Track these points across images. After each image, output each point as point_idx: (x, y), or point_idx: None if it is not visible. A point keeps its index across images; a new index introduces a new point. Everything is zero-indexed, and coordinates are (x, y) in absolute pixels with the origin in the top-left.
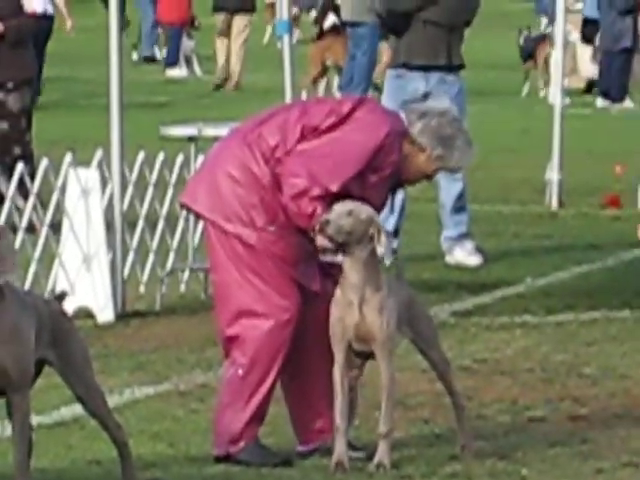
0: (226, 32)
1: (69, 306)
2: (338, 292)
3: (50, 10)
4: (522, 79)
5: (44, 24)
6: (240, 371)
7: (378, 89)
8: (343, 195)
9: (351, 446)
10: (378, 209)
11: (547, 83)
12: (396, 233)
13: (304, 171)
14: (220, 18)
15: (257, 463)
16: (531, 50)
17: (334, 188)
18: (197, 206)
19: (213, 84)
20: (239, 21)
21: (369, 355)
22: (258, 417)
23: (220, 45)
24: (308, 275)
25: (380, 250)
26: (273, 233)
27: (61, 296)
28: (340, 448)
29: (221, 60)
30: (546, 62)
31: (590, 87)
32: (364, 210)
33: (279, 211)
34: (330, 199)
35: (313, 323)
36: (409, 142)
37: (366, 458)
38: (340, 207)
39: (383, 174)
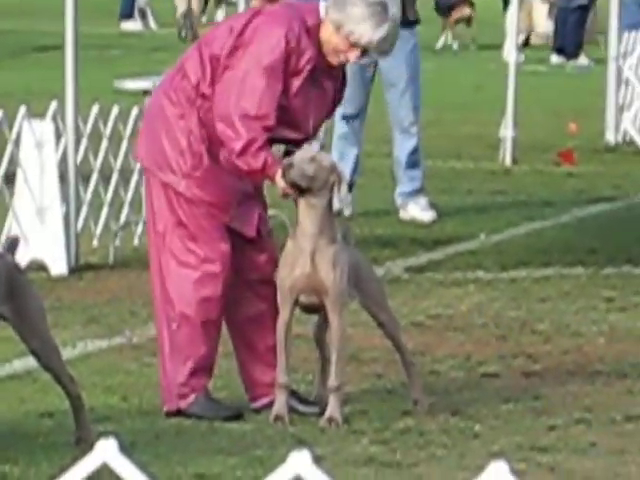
0: None
1: (23, 258)
2: (289, 243)
3: None
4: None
5: None
6: (174, 325)
7: None
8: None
9: (304, 401)
10: (322, 116)
11: (471, 40)
12: (350, 188)
13: (232, 128)
14: None
15: (207, 416)
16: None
17: (269, 123)
18: (138, 157)
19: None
20: None
21: (317, 309)
22: (202, 369)
23: None
24: (242, 219)
25: (339, 199)
26: (200, 178)
27: (13, 242)
28: (280, 402)
29: (181, 9)
30: (465, 20)
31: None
32: (326, 157)
33: (204, 154)
34: (269, 135)
35: (254, 272)
36: (324, 26)
37: (319, 413)
38: (303, 153)
39: (305, 74)
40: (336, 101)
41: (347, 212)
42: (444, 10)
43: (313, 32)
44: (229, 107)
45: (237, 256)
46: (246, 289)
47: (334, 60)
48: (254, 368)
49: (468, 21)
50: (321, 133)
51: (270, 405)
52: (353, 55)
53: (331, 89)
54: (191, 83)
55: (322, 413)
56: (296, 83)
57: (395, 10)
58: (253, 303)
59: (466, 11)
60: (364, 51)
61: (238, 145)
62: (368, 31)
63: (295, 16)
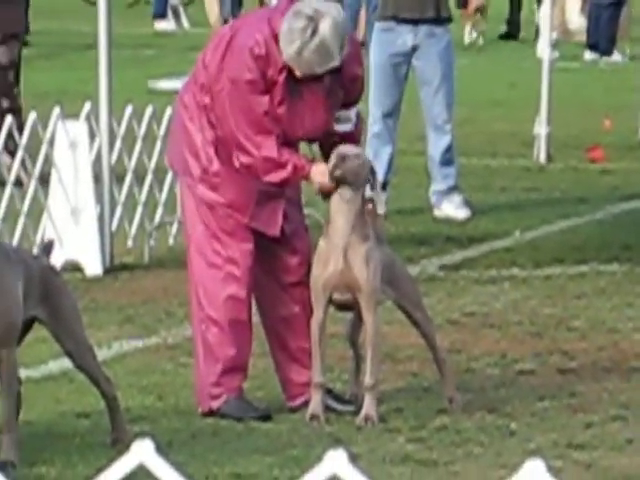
0: None
1: (57, 259)
2: (322, 241)
3: None
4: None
5: None
6: (203, 325)
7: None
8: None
9: (339, 399)
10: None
11: (479, 31)
12: (384, 187)
13: (244, 153)
14: None
15: (235, 416)
16: None
17: (273, 133)
18: (167, 160)
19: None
20: None
21: (350, 307)
22: (234, 369)
23: None
24: (264, 219)
25: (375, 197)
26: (212, 181)
27: (48, 245)
28: (315, 402)
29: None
30: (479, 11)
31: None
32: (365, 154)
33: (214, 157)
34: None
35: (287, 274)
36: None
37: (355, 412)
38: (348, 149)
39: (282, 82)
40: (349, 100)
41: (381, 210)
42: (460, 3)
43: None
44: (232, 131)
45: (269, 258)
46: (280, 291)
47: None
48: (289, 368)
49: (482, 11)
50: (354, 115)
51: (306, 404)
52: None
53: (322, 92)
54: (199, 88)
55: (358, 412)
56: (277, 94)
57: (328, 28)
58: (287, 305)
59: (478, 0)
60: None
61: (259, 166)
62: (286, 47)
63: (264, 26)
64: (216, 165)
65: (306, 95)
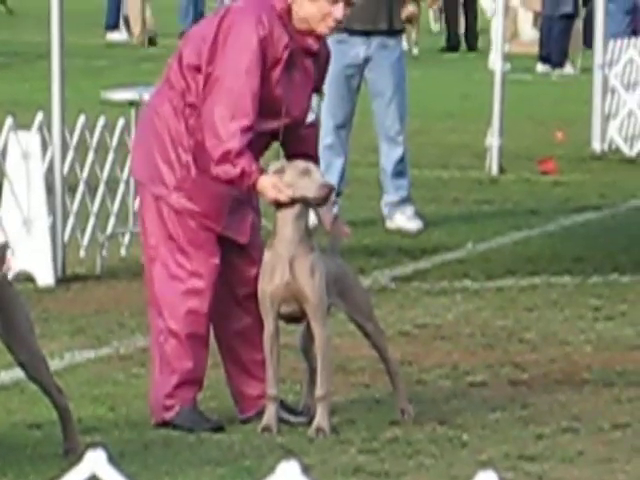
0: None
1: (9, 269)
2: (267, 252)
3: None
4: None
5: None
6: (162, 337)
7: None
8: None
9: (292, 411)
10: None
11: (412, 42)
12: (338, 194)
13: (211, 134)
14: None
15: (188, 428)
16: None
17: (247, 123)
18: (132, 170)
19: (140, 44)
20: None
21: (299, 319)
22: (189, 382)
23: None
24: (234, 227)
25: (323, 212)
26: (189, 189)
27: (1, 250)
28: (269, 414)
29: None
30: (410, 21)
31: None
32: (317, 171)
33: (191, 165)
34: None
35: (243, 286)
36: (297, 2)
37: (307, 423)
38: (296, 164)
39: (284, 61)
40: (318, 83)
41: (327, 226)
42: None
43: (285, 15)
44: (209, 114)
45: (227, 270)
46: (234, 303)
47: (322, 29)
48: (241, 381)
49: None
50: (314, 105)
51: (258, 416)
52: (339, 12)
53: (312, 68)
54: (177, 93)
55: (310, 423)
56: (276, 72)
57: None
58: (240, 317)
59: (409, 9)
60: (347, 3)
61: (216, 153)
62: None
63: (262, 5)
64: (193, 173)
65: (300, 72)
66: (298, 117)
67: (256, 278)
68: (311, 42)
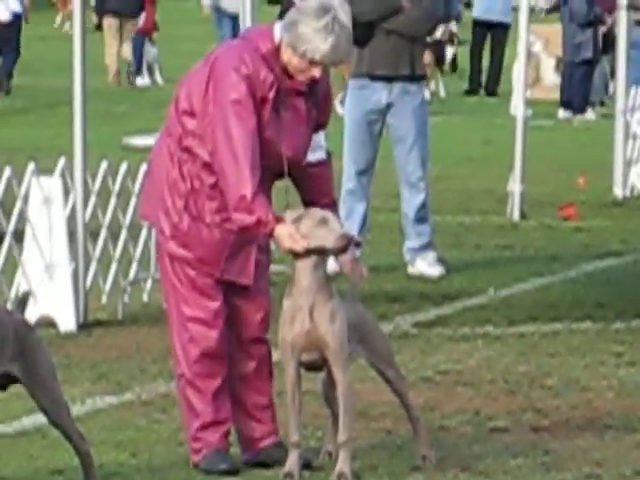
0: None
1: (32, 314)
2: (286, 301)
3: (18, 9)
4: None
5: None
6: (181, 382)
7: None
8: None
9: (307, 465)
10: (302, 137)
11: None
12: (358, 245)
13: (223, 182)
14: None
15: (209, 470)
16: None
17: (254, 163)
18: (141, 214)
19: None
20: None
21: (320, 367)
22: (211, 424)
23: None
24: (236, 270)
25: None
26: (182, 237)
27: (24, 297)
28: (292, 460)
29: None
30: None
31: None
32: (336, 222)
33: (183, 212)
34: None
35: (247, 331)
36: (283, 48)
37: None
38: (313, 213)
39: (271, 101)
40: (320, 120)
41: (346, 271)
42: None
43: (270, 57)
44: (216, 166)
45: (232, 314)
46: (237, 347)
47: (301, 78)
48: (243, 423)
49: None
50: (323, 142)
51: (255, 458)
52: (316, 72)
53: (304, 108)
54: (174, 139)
55: (333, 469)
56: (265, 112)
57: (345, 16)
58: (243, 362)
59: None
60: (324, 68)
61: (232, 201)
62: (320, 46)
63: (246, 47)
64: (186, 221)
65: (290, 112)
66: (293, 156)
67: (261, 323)
68: (299, 82)
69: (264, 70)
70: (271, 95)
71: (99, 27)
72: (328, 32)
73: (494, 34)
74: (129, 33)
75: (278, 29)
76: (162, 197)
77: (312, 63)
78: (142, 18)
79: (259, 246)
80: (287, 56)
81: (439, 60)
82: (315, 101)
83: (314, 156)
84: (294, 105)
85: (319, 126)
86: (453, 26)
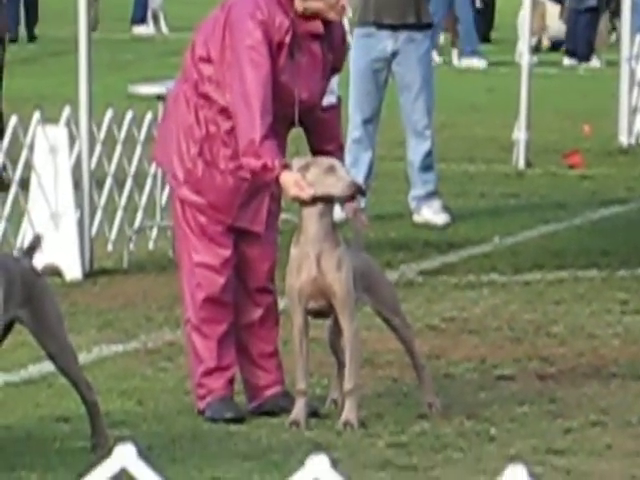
0: None
1: (38, 262)
2: (294, 249)
3: None
4: None
5: None
6: (187, 327)
7: None
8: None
9: (314, 413)
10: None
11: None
12: (363, 192)
13: (237, 125)
14: None
15: (213, 419)
16: None
17: (266, 108)
18: (155, 159)
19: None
20: None
21: (327, 315)
22: (214, 370)
23: None
24: (248, 218)
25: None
26: (196, 183)
27: (35, 241)
28: (298, 408)
29: None
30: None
31: (555, 46)
32: (343, 170)
33: (198, 158)
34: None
35: (254, 280)
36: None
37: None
38: (321, 161)
39: (287, 46)
40: (336, 64)
41: (365, 219)
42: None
43: (285, 1)
44: (232, 110)
45: (240, 263)
46: (244, 296)
47: (334, 16)
48: (249, 372)
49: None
50: (335, 86)
51: (261, 407)
52: (344, 1)
53: (320, 52)
54: (190, 85)
55: (339, 416)
56: (281, 58)
57: None
58: (249, 311)
59: None
60: None
61: (242, 144)
62: None
63: None
64: (200, 167)
65: (306, 57)
66: (309, 101)
67: (268, 272)
68: (316, 25)
69: (280, 15)
70: (287, 40)
71: None
72: None
73: None
74: None
75: None
76: (177, 142)
77: None
78: None
79: (272, 194)
80: (304, 5)
81: None
82: (331, 45)
83: (325, 100)
84: (310, 49)
85: (334, 70)
86: None
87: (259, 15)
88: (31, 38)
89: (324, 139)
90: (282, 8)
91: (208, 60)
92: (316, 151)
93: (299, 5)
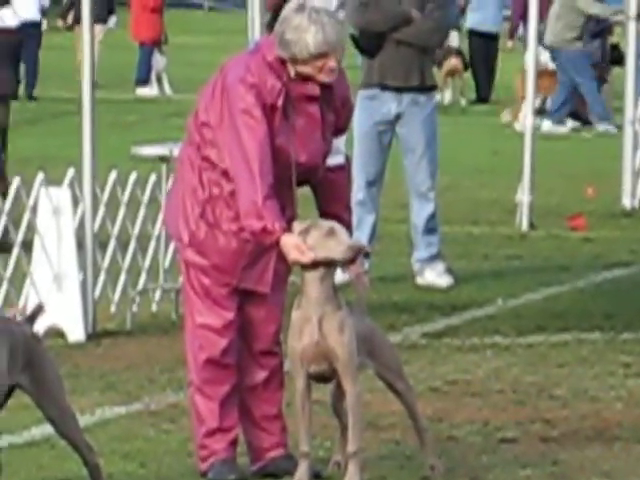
0: None
1: (40, 325)
2: (295, 312)
3: (37, 17)
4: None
5: (19, 36)
6: (191, 389)
7: None
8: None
9: (317, 475)
10: (318, 142)
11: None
12: (367, 255)
13: (238, 191)
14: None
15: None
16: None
17: (265, 172)
18: (165, 222)
19: None
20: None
21: (329, 378)
22: (216, 432)
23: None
24: (254, 278)
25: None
26: (199, 244)
27: (37, 310)
28: (301, 471)
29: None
30: (451, 74)
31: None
32: (344, 234)
33: (200, 220)
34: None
35: (259, 342)
36: (288, 66)
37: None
38: (322, 224)
39: (280, 108)
40: (339, 125)
41: (367, 282)
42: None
43: (277, 65)
44: (231, 173)
45: (245, 324)
46: (249, 358)
47: (326, 79)
48: (252, 433)
49: (457, 72)
50: (342, 146)
51: (264, 469)
52: (330, 62)
53: (318, 113)
54: (194, 148)
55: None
56: (276, 120)
57: (322, 9)
58: (254, 373)
59: (453, 62)
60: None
61: (243, 208)
62: (308, 39)
63: (253, 57)
64: (202, 229)
65: (303, 118)
66: (308, 162)
67: (274, 335)
68: (311, 88)
69: (271, 78)
70: (279, 102)
71: (70, 28)
72: (310, 23)
73: (487, 44)
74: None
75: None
76: (182, 205)
77: (316, 59)
78: (112, 21)
79: (279, 255)
80: (294, 70)
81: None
82: (331, 106)
83: (333, 161)
84: (307, 111)
85: (338, 131)
86: (454, 36)
87: (250, 78)
88: (30, 98)
89: (331, 199)
90: (274, 72)
91: (209, 125)
92: (323, 211)
93: (291, 69)
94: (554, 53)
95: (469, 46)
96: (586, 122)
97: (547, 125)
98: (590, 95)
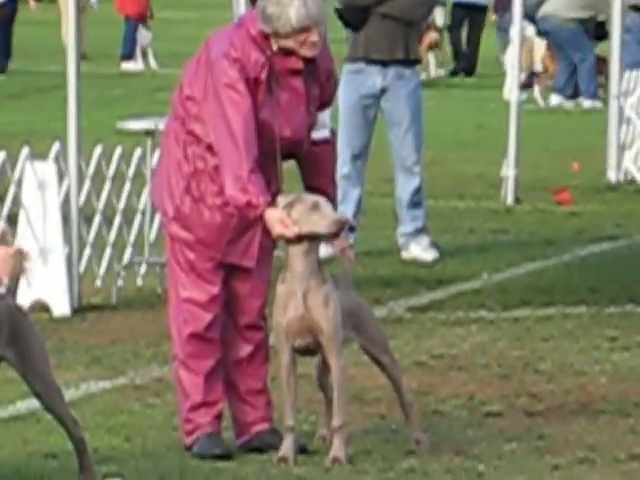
0: None
1: (25, 299)
2: (280, 287)
3: None
4: None
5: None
6: (175, 363)
7: None
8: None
9: (302, 449)
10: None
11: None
12: (352, 229)
13: (222, 164)
14: None
15: (202, 454)
16: None
17: (250, 146)
18: (153, 200)
19: None
20: None
21: (313, 352)
22: (201, 406)
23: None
24: (238, 252)
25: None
26: (184, 219)
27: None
28: (286, 444)
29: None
30: (431, 47)
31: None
32: (328, 207)
33: (185, 194)
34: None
35: (245, 316)
36: (272, 40)
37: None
38: (306, 197)
39: (264, 82)
40: (323, 98)
41: (352, 256)
42: None
43: (260, 39)
44: (216, 147)
45: (230, 299)
46: (234, 332)
47: (309, 53)
48: (237, 408)
49: (436, 46)
50: (327, 120)
51: (249, 443)
52: (312, 37)
53: (302, 87)
54: (178, 122)
55: (327, 453)
56: (259, 95)
57: None
58: (239, 347)
59: (433, 36)
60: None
61: (228, 181)
62: (290, 13)
63: (237, 31)
64: (187, 203)
65: (287, 92)
66: (293, 136)
67: (259, 309)
68: (294, 62)
69: (254, 52)
70: (263, 76)
71: None
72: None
73: (472, 16)
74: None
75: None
76: (167, 179)
77: (299, 34)
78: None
79: (264, 229)
80: (277, 44)
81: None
82: (316, 79)
83: (318, 134)
84: (291, 85)
85: (323, 104)
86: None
87: (233, 53)
88: (2, 71)
89: (316, 173)
90: (257, 46)
91: (194, 99)
92: (308, 185)
93: (273, 43)
94: (551, 32)
95: (451, 16)
96: (571, 96)
97: (556, 99)
98: (588, 73)
